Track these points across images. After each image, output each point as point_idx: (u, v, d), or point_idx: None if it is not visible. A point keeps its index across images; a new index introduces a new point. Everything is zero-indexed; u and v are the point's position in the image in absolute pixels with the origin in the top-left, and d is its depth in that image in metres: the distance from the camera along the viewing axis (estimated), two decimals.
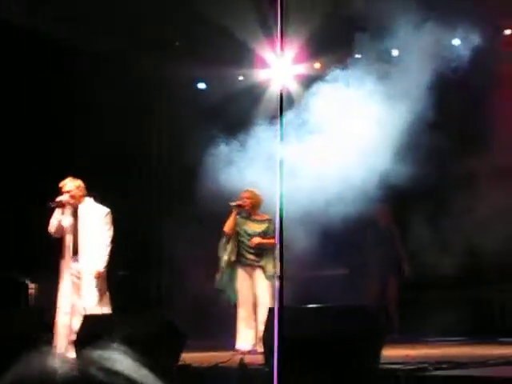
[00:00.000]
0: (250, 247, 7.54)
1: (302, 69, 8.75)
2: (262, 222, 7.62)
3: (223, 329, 8.72)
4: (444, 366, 4.86)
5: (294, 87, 8.74)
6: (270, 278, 7.29)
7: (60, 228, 6.86)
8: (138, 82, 9.20)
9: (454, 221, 8.64)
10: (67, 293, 6.88)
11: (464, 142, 9.10)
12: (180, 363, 5.98)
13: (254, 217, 7.65)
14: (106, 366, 1.77)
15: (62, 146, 9.34)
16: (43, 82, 9.08)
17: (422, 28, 8.03)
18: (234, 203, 7.50)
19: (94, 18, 8.61)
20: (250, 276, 7.55)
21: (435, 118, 8.18)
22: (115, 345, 1.90)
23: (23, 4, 8.47)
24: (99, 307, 6.82)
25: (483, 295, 9.43)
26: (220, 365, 5.79)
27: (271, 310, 5.46)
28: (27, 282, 10.23)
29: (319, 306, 6.24)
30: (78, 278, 6.88)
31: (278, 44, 5.53)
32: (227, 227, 7.58)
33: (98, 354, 1.81)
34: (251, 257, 7.57)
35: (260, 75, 8.60)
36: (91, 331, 5.71)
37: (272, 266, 7.29)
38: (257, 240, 7.49)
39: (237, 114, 8.97)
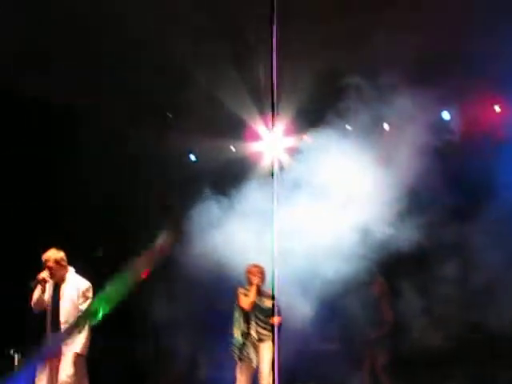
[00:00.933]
0: (266, 323, 7.52)
1: (293, 141, 8.81)
2: (269, 296, 7.47)
3: None
4: None
5: (285, 159, 8.80)
6: None
7: (41, 303, 6.78)
8: (130, 153, 9.19)
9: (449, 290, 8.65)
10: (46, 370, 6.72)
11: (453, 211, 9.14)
12: None
13: (263, 291, 7.63)
14: None
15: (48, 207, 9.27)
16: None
17: (413, 100, 8.17)
18: (256, 280, 7.51)
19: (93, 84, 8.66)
20: (257, 351, 7.53)
21: (425, 185, 8.30)
22: None
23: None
24: None
25: (480, 370, 9.29)
26: None
27: None
28: (14, 354, 10.04)
29: None
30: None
31: (271, 118, 5.64)
32: (248, 304, 7.56)
33: None
34: (264, 332, 7.54)
35: (251, 147, 8.66)
36: None
37: None
38: (278, 319, 7.28)
39: (229, 180, 8.97)
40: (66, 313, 6.72)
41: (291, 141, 8.88)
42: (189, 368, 10.00)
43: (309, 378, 7.51)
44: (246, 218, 8.00)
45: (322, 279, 7.97)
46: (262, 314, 7.56)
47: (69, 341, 6.68)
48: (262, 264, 7.57)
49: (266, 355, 7.43)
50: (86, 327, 6.73)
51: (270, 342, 7.29)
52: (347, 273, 8.00)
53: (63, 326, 6.69)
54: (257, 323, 7.55)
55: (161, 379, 9.85)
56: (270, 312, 7.40)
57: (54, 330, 6.71)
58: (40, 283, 6.69)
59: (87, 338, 6.74)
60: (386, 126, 9.12)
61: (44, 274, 6.73)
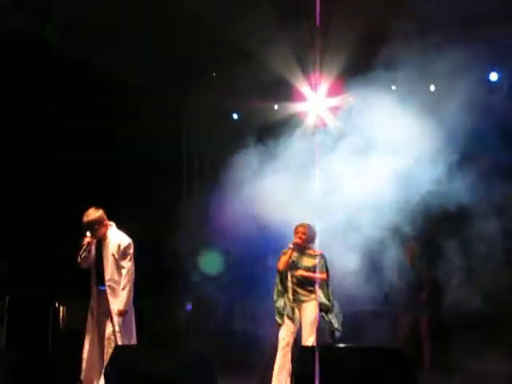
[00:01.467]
0: (305, 283, 7.45)
1: (337, 101, 8.75)
2: (313, 256, 7.53)
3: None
4: None
5: (328, 117, 8.78)
6: (322, 304, 7.33)
7: (87, 260, 6.99)
8: (173, 110, 9.26)
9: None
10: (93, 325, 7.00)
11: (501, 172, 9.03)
12: None
13: (307, 251, 7.57)
14: None
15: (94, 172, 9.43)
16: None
17: (458, 62, 8.04)
18: (292, 243, 7.47)
19: (130, 48, 8.70)
20: (299, 310, 7.46)
21: (471, 149, 8.21)
22: None
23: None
24: (127, 339, 6.89)
25: None
26: None
27: (306, 349, 5.43)
28: (57, 305, 10.36)
29: (356, 346, 6.21)
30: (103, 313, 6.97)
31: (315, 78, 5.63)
32: (282, 264, 7.51)
33: None
34: (302, 291, 7.48)
35: (296, 107, 8.63)
36: (121, 362, 5.75)
37: (323, 298, 7.36)
38: (299, 272, 7.43)
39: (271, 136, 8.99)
40: (109, 269, 6.92)
41: (335, 100, 8.83)
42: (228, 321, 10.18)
43: (350, 340, 7.50)
44: (288, 172, 8.02)
45: (361, 235, 7.99)
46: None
47: (113, 298, 6.91)
48: (306, 221, 7.51)
49: (306, 316, 7.37)
50: (129, 284, 6.91)
51: (312, 303, 7.41)
52: (386, 229, 8.02)
53: (107, 283, 6.90)
54: (296, 283, 7.48)
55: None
56: (311, 271, 7.43)
57: (101, 284, 6.93)
58: (86, 247, 6.88)
59: (129, 295, 6.91)
60: (432, 87, 9.01)
61: (88, 239, 6.91)
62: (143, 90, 9.21)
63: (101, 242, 7.00)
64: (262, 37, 7.36)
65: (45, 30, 8.54)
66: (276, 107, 9.41)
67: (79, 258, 6.93)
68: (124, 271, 6.90)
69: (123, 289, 6.88)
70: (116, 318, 6.85)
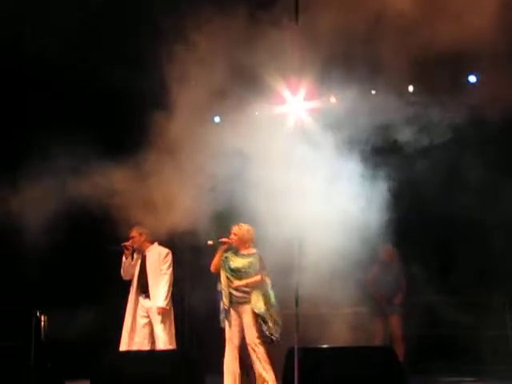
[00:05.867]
0: (232, 282, 7.44)
1: (317, 103, 8.77)
2: (246, 256, 7.51)
3: None
4: None
5: (308, 121, 8.77)
6: (258, 315, 7.26)
7: (129, 270, 8.11)
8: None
9: None
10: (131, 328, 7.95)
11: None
12: None
13: (240, 252, 7.55)
14: None
15: None
16: None
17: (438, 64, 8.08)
18: (211, 240, 7.54)
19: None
20: (239, 314, 7.43)
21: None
22: None
23: None
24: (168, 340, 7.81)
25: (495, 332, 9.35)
26: None
27: (291, 351, 5.42)
28: (39, 314, 10.28)
29: (340, 346, 6.22)
30: (145, 315, 7.97)
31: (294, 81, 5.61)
32: (212, 265, 7.59)
33: None
34: (238, 294, 7.45)
35: (275, 110, 8.60)
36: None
37: (260, 303, 7.28)
38: (236, 284, 7.42)
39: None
40: (152, 276, 7.97)
41: (314, 103, 8.83)
42: None
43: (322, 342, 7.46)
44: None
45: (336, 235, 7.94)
46: (231, 274, 7.48)
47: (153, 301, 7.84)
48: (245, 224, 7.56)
49: (246, 318, 7.34)
50: (167, 283, 7.86)
51: (247, 305, 7.34)
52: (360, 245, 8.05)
53: (150, 288, 7.92)
54: (229, 285, 7.45)
55: None
56: (241, 273, 7.42)
57: (143, 291, 8.01)
58: (124, 250, 8.02)
59: (168, 292, 7.87)
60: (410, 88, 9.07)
61: (127, 242, 8.07)
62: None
63: (144, 255, 8.12)
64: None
65: None
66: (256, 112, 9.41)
67: (122, 271, 8.08)
68: (165, 277, 7.90)
69: (164, 287, 7.86)
70: (156, 317, 7.79)
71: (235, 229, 7.55)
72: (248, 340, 7.29)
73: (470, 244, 9.17)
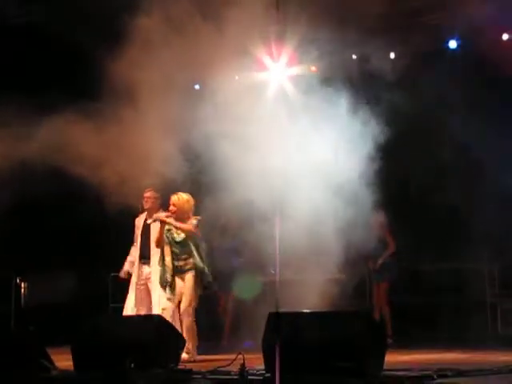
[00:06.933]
0: (177, 254, 7.45)
1: (298, 70, 8.73)
2: (182, 229, 7.47)
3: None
4: (448, 373, 4.87)
5: (289, 87, 8.73)
6: (200, 274, 7.37)
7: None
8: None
9: None
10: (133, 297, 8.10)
11: None
12: (180, 367, 6.00)
13: (183, 223, 7.46)
14: None
15: None
16: None
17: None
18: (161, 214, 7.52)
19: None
20: (183, 282, 7.47)
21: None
22: None
23: None
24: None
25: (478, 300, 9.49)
26: (220, 369, 5.76)
27: (271, 315, 5.47)
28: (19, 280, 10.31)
29: (320, 311, 6.27)
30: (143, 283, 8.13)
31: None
32: (156, 240, 7.60)
33: None
34: (180, 263, 7.47)
35: (257, 77, 8.57)
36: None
37: (201, 263, 7.38)
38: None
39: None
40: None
41: (295, 70, 8.79)
42: None
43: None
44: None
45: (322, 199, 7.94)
46: (174, 245, 7.50)
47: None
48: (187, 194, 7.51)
49: (186, 286, 7.40)
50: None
51: (190, 272, 7.40)
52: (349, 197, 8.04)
53: (152, 257, 8.01)
54: (173, 257, 7.49)
55: None
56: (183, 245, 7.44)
57: (144, 258, 8.17)
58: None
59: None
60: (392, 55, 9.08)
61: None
62: None
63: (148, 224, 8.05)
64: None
65: None
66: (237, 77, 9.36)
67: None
68: None
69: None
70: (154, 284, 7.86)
71: (174, 199, 7.43)
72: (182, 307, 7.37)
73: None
